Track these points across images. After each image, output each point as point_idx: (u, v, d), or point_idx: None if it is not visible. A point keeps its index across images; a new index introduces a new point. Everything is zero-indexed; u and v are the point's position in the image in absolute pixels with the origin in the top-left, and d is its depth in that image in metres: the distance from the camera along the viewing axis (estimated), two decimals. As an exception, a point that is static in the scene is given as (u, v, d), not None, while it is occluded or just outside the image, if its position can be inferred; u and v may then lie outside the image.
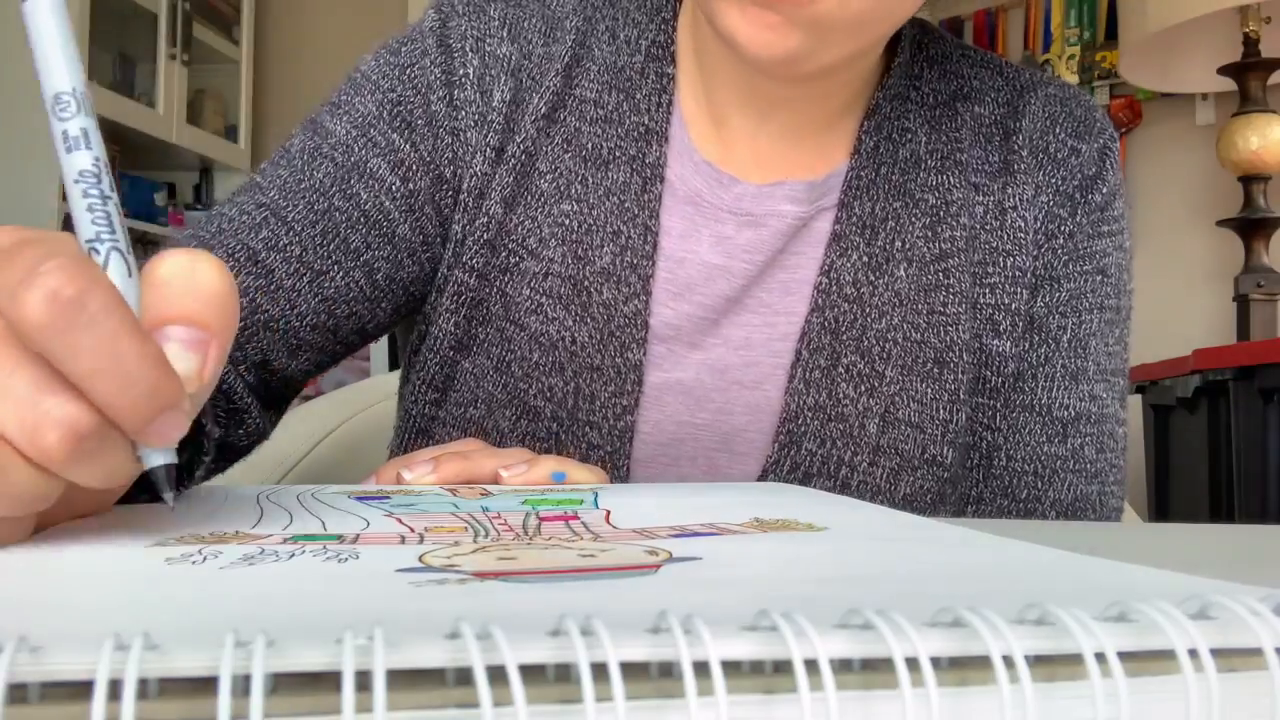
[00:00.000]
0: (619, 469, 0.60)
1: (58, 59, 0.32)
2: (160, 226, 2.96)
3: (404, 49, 0.63)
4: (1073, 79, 2.60)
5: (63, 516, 0.32)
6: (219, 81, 3.20)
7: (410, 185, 0.61)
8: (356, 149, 0.60)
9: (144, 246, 3.01)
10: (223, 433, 0.48)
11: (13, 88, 2.47)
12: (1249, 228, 2.12)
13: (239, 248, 0.58)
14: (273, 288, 0.58)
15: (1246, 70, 2.08)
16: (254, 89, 3.30)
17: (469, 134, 0.61)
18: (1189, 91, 2.38)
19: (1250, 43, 2.07)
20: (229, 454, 0.58)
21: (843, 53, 0.54)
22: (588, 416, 0.59)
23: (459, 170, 0.61)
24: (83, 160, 0.31)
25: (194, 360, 0.29)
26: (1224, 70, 2.11)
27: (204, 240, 0.59)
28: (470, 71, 0.62)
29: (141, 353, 0.26)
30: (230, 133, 3.23)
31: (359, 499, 0.40)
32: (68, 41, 0.32)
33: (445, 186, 0.61)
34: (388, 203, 0.60)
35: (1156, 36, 2.05)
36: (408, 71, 0.62)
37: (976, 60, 0.67)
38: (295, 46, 3.41)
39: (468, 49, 0.62)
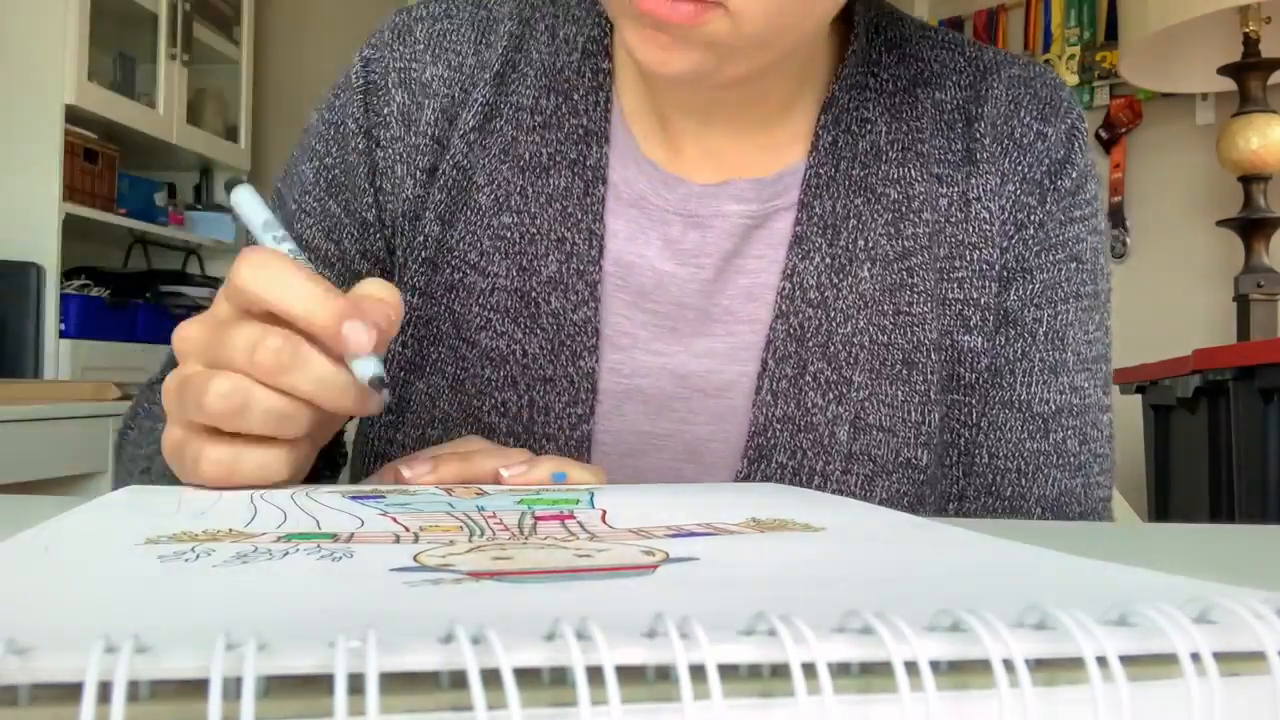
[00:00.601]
0: None
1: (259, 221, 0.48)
2: (160, 226, 2.95)
3: (336, 103, 0.64)
4: (1073, 79, 2.60)
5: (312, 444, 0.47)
6: (219, 81, 3.20)
7: (341, 247, 0.63)
8: (295, 224, 0.63)
9: (144, 246, 3.01)
10: None
11: (15, 91, 2.46)
12: (1249, 228, 2.12)
13: None
14: None
15: (1246, 70, 2.08)
16: (254, 89, 3.30)
17: (395, 168, 0.62)
18: (1189, 91, 2.38)
19: (1250, 43, 2.07)
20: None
21: (750, 66, 0.53)
22: (543, 429, 0.58)
23: (384, 204, 0.62)
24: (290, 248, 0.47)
25: (372, 334, 0.42)
26: (1224, 70, 2.11)
27: None
28: (394, 109, 0.62)
29: (336, 371, 0.43)
30: (230, 133, 3.22)
31: (354, 498, 0.40)
32: (267, 213, 0.48)
33: (370, 230, 0.63)
34: (327, 272, 0.62)
35: (1156, 36, 2.05)
36: (335, 129, 0.63)
37: (937, 41, 0.65)
38: (295, 46, 3.40)
39: (390, 84, 0.62)
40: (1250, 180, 2.11)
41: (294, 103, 3.35)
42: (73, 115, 2.50)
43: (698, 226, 0.60)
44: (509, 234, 0.59)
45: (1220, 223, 2.18)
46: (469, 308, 0.60)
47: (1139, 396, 1.96)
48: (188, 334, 0.44)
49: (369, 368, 0.43)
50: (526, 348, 0.59)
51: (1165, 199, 2.51)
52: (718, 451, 0.59)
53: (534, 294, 0.59)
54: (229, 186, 0.49)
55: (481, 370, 0.59)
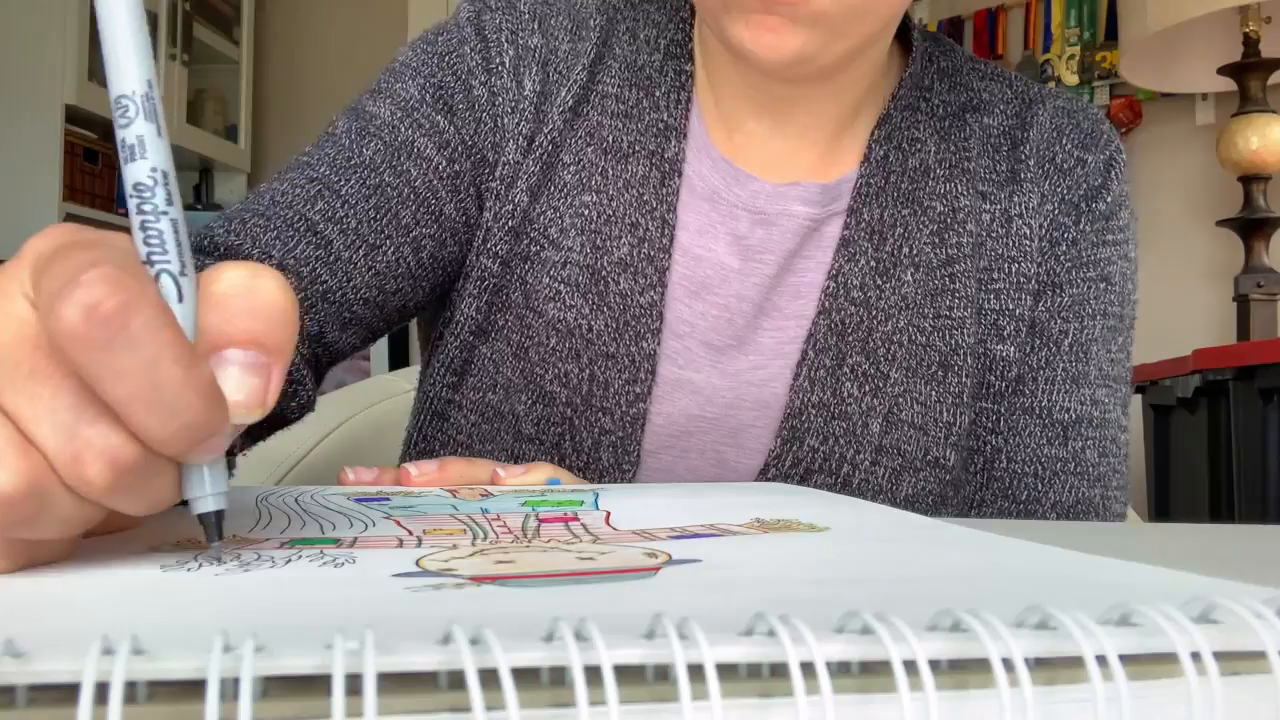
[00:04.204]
0: (629, 455, 0.61)
1: (124, 57, 0.28)
2: (160, 227, 2.95)
3: (440, 39, 0.64)
4: (1073, 79, 2.59)
5: (102, 533, 0.30)
6: (219, 81, 3.20)
7: (456, 166, 0.62)
8: (403, 129, 0.62)
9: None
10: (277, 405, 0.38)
11: (15, 91, 2.46)
12: (1249, 228, 2.11)
13: (296, 218, 0.59)
14: (331, 259, 0.59)
15: (1246, 70, 2.08)
16: (254, 89, 3.30)
17: (505, 120, 0.63)
18: (1189, 91, 2.38)
19: (1250, 43, 2.07)
20: (278, 424, 0.57)
21: (849, 44, 0.56)
22: (601, 403, 0.60)
23: (498, 155, 0.63)
24: (137, 172, 0.28)
25: (256, 385, 0.26)
26: (1224, 70, 2.11)
27: (258, 213, 0.59)
28: (506, 60, 0.63)
29: (185, 381, 0.24)
30: (230, 133, 3.22)
31: (359, 500, 0.40)
32: (138, 37, 0.28)
33: (486, 169, 0.63)
34: (436, 182, 0.62)
35: (1156, 36, 2.05)
36: (447, 59, 0.63)
37: (986, 73, 0.69)
38: (295, 46, 3.40)
39: (503, 39, 0.64)
40: (1250, 180, 2.11)
41: (294, 103, 3.35)
42: (73, 115, 2.50)
43: (765, 224, 0.62)
44: (587, 212, 0.62)
45: (1220, 223, 2.18)
46: (540, 278, 0.62)
47: (1139, 396, 1.96)
48: None
49: (206, 504, 0.27)
50: (592, 323, 0.61)
51: (1165, 199, 2.50)
52: (756, 435, 0.62)
53: (604, 273, 0.61)
54: None
55: (546, 340, 0.61)
